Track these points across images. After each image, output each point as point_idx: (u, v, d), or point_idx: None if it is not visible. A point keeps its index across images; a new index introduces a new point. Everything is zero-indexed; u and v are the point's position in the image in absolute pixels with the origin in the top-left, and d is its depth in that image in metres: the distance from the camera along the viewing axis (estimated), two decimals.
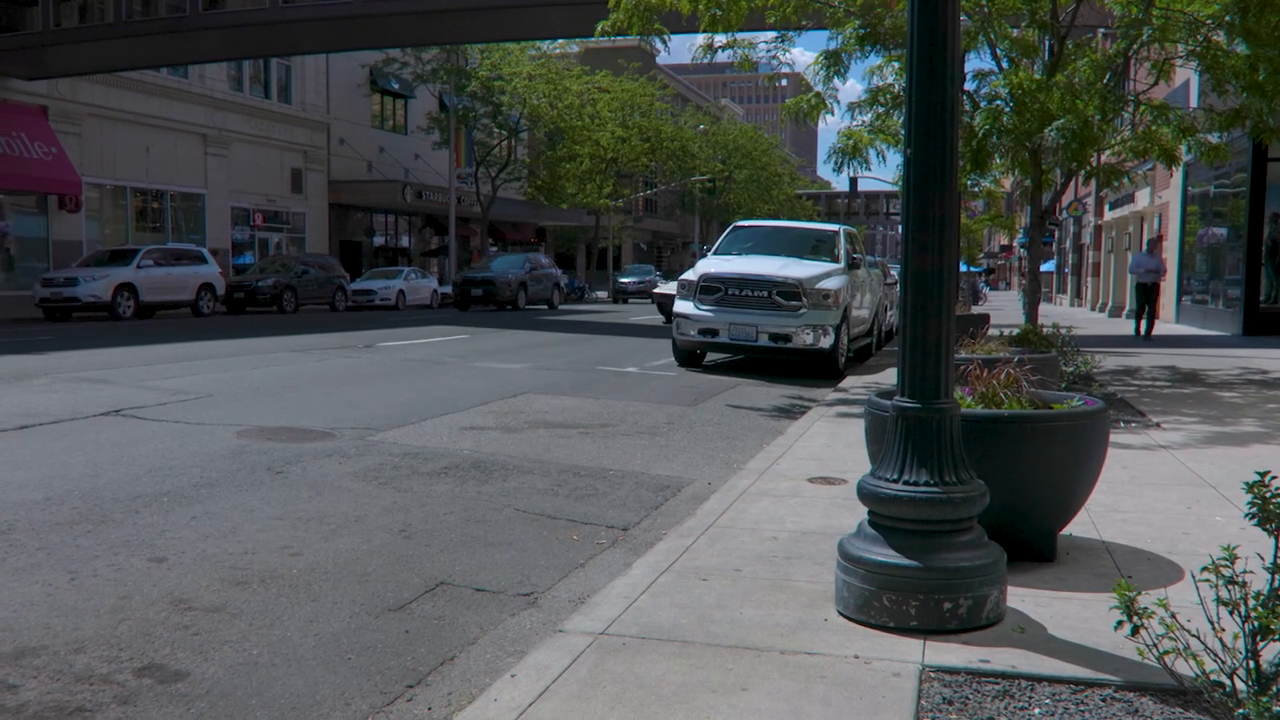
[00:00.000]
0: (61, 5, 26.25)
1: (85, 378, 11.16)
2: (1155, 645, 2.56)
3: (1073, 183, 17.52)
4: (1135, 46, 11.08)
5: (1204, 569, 2.58)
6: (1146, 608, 2.57)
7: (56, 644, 3.62)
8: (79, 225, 30.98)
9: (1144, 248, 23.28)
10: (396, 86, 44.57)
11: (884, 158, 16.77)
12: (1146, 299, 21.00)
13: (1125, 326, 27.04)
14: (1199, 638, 2.55)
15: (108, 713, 3.11)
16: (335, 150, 41.96)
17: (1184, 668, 2.59)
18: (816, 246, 15.18)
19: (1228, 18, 10.29)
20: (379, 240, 47.08)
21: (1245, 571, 2.55)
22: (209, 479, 6.24)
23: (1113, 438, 4.99)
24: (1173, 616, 2.54)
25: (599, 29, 10.99)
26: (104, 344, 16.41)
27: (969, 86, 12.00)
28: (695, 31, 11.60)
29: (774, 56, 12.57)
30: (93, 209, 31.77)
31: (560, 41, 45.31)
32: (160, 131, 33.63)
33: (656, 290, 29.23)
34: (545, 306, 36.36)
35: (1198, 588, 2.65)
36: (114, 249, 28.06)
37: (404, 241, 48.68)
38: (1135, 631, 2.57)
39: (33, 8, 26.14)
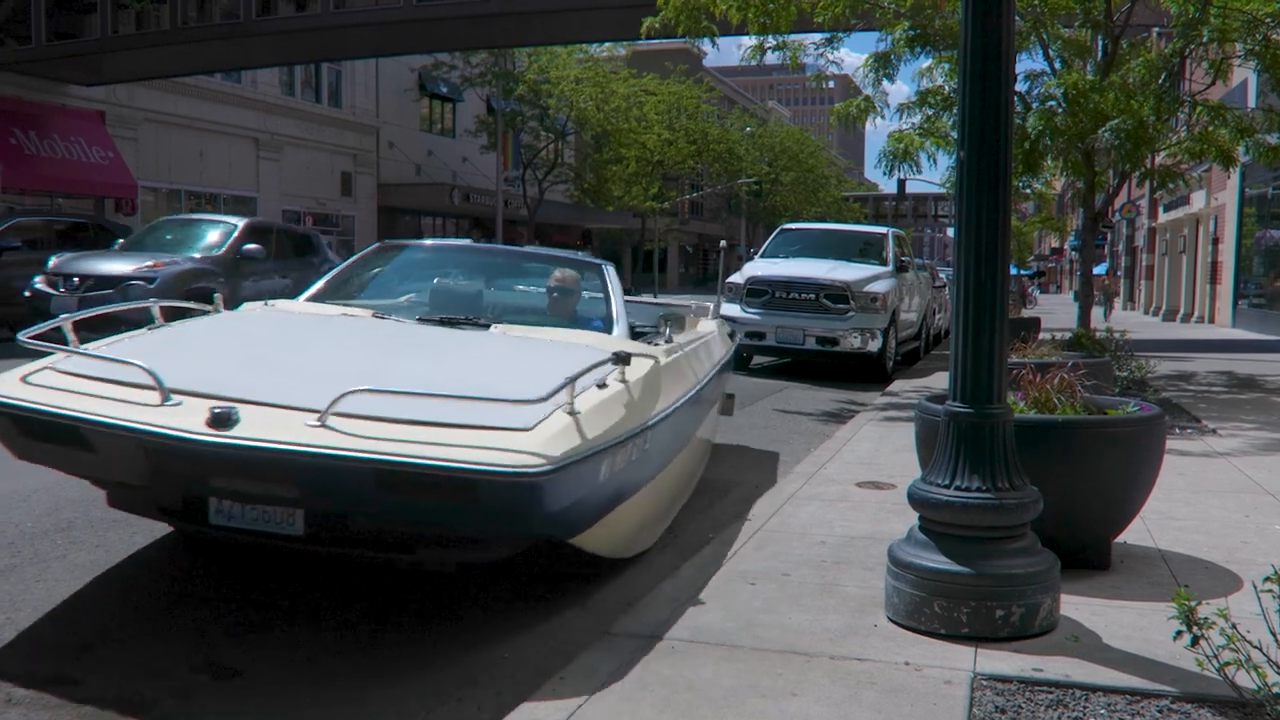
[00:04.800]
0: (119, 13, 26.73)
1: None
2: (1216, 656, 2.52)
3: (1126, 185, 17.21)
4: (1192, 46, 10.88)
5: (1266, 579, 2.53)
6: (1207, 618, 2.53)
7: (117, 638, 3.69)
8: (134, 228, 31.54)
9: None
10: (445, 90, 44.88)
11: (934, 160, 16.51)
12: None
13: (1182, 331, 26.61)
14: (1261, 649, 2.50)
15: (166, 706, 3.17)
16: (384, 153, 42.37)
17: (1245, 679, 2.54)
18: (864, 249, 15.08)
19: None
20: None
21: None
22: None
23: (1169, 444, 4.91)
24: (1233, 627, 2.50)
25: (645, 25, 10.99)
26: None
27: (1020, 87, 11.84)
28: (743, 33, 11.56)
29: (822, 54, 12.51)
30: (148, 212, 32.33)
31: (608, 45, 45.38)
32: (214, 136, 34.15)
33: None
34: None
35: (1259, 598, 2.60)
36: None
37: None
38: (1195, 642, 2.53)
39: (91, 16, 26.65)
